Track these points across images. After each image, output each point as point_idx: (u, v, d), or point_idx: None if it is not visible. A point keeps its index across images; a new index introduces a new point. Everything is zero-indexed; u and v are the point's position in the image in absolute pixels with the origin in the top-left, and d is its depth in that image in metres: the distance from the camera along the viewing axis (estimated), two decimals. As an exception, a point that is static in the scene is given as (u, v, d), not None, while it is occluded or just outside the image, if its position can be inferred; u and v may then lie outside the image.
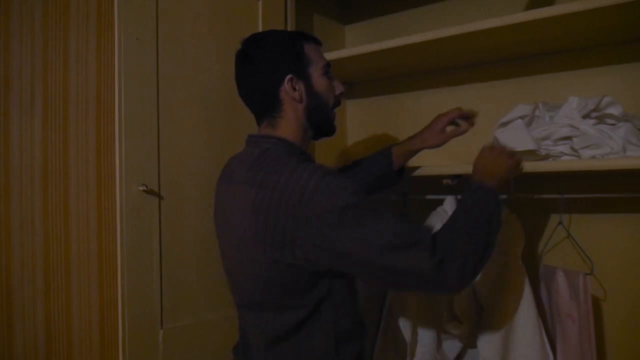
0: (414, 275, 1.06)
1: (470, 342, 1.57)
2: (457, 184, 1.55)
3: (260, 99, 1.29)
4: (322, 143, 1.98)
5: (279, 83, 1.25)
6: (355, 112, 2.20)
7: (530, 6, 1.72)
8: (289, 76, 1.24)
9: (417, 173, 1.63)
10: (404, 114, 2.04)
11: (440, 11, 1.96)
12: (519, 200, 1.59)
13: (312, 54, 1.29)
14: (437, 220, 1.55)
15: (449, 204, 1.58)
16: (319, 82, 1.28)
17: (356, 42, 2.15)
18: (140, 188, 1.40)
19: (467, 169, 1.39)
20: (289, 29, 1.81)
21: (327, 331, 1.18)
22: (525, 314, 1.42)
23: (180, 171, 1.49)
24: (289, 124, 1.27)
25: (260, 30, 1.70)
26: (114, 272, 1.38)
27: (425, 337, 1.57)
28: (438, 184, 1.63)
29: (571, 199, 1.56)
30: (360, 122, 2.18)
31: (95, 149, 1.38)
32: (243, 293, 1.27)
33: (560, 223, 1.55)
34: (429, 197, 1.71)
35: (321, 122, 1.32)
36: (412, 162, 1.63)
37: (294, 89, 1.25)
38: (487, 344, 1.42)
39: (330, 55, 1.72)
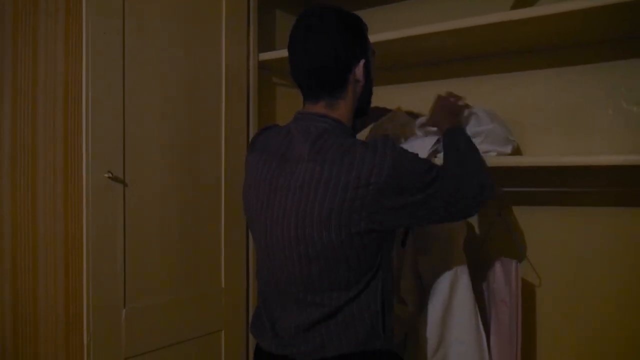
0: (466, 205, 1.25)
1: (413, 324, 1.68)
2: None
3: (326, 76, 1.24)
4: None
5: (353, 65, 1.24)
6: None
7: (516, 5, 1.74)
8: (364, 60, 1.26)
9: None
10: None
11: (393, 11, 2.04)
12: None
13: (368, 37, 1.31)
14: None
15: None
16: (372, 67, 1.32)
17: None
18: (106, 175, 1.47)
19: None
20: (250, 25, 1.87)
21: (377, 295, 1.22)
22: (463, 299, 1.53)
23: (144, 159, 1.56)
24: (347, 106, 1.27)
25: (223, 23, 1.77)
26: (79, 254, 1.45)
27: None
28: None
29: (510, 192, 1.68)
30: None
31: (62, 136, 1.44)
32: (292, 273, 1.23)
33: (499, 214, 1.67)
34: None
35: (366, 105, 1.34)
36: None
37: (362, 74, 1.26)
38: (427, 326, 1.54)
39: None
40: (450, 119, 1.51)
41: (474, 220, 1.82)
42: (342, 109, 1.26)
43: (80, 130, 1.44)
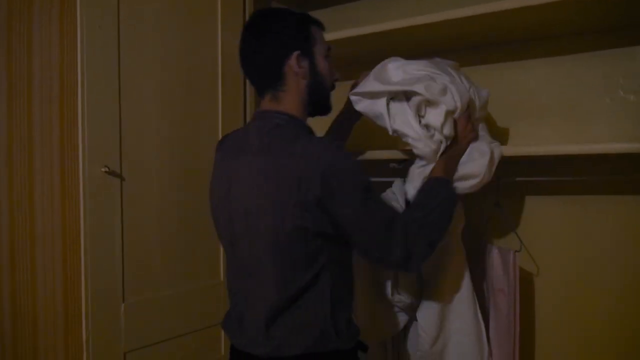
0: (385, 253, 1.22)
1: (414, 315, 1.68)
2: (403, 168, 1.65)
3: (265, 71, 1.33)
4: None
5: (286, 57, 1.30)
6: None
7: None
8: (296, 52, 1.30)
9: (365, 157, 1.71)
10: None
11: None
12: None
13: (317, 35, 1.36)
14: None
15: (398, 187, 1.67)
16: (321, 62, 1.35)
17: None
18: (103, 169, 1.47)
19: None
20: (247, 16, 1.87)
21: (325, 297, 1.24)
22: (461, 289, 1.53)
23: (141, 153, 1.57)
24: (292, 98, 1.32)
25: (219, 17, 1.77)
26: (77, 249, 1.45)
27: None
28: (385, 168, 1.73)
29: (508, 182, 1.68)
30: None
31: (59, 131, 1.43)
32: (249, 263, 1.29)
33: (497, 204, 1.67)
34: (376, 179, 1.80)
35: (320, 100, 1.38)
36: (360, 146, 1.72)
37: (299, 66, 1.31)
38: (426, 317, 1.54)
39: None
40: (453, 163, 1.45)
41: (472, 209, 1.81)
42: (289, 102, 1.32)
43: (76, 124, 1.44)
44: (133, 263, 1.55)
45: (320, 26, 1.40)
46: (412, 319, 1.71)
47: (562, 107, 1.70)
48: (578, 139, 1.66)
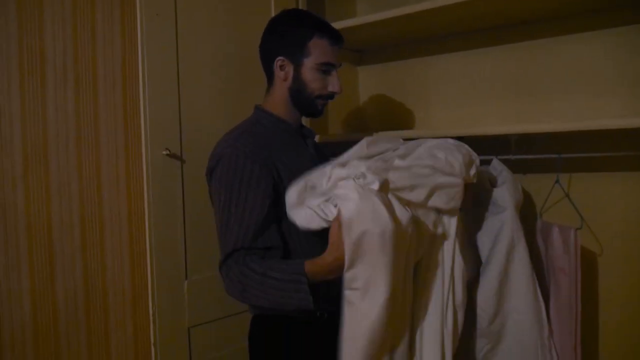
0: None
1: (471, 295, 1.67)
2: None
3: (263, 66, 1.46)
4: (336, 106, 2.08)
5: (273, 59, 1.41)
6: (366, 78, 2.28)
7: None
8: (280, 57, 1.40)
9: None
10: (413, 79, 2.11)
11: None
12: (519, 160, 1.68)
13: (316, 48, 1.39)
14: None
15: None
16: (307, 73, 1.40)
17: (366, 11, 2.22)
18: (164, 152, 1.53)
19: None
20: (299, 4, 1.90)
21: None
22: (520, 267, 1.51)
23: (200, 136, 1.62)
24: (275, 96, 1.44)
25: (272, 4, 1.80)
26: (142, 229, 1.52)
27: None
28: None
29: (568, 158, 1.64)
30: (371, 87, 2.26)
31: (122, 117, 1.50)
32: None
33: (557, 181, 1.63)
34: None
35: (302, 106, 1.44)
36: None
37: (281, 69, 1.40)
38: (483, 295, 1.52)
39: (341, 24, 1.80)
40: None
41: (531, 186, 1.78)
42: (272, 97, 1.45)
43: (139, 110, 1.50)
44: (195, 242, 1.61)
45: (331, 39, 1.40)
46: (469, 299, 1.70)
47: (624, 79, 1.63)
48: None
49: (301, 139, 1.48)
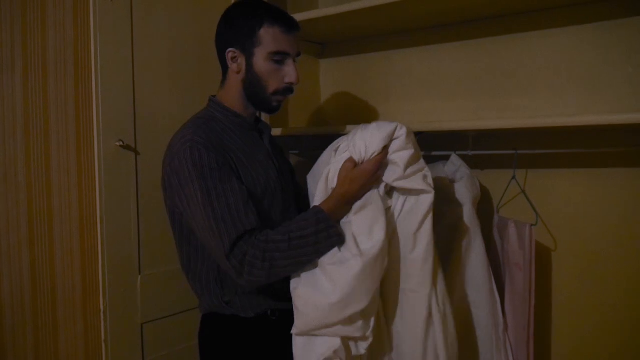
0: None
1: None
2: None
3: (219, 59, 1.41)
4: (296, 99, 2.06)
5: (225, 50, 1.36)
6: (328, 71, 2.26)
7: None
8: (231, 49, 1.35)
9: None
10: (374, 73, 2.10)
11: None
12: (476, 156, 1.69)
13: (266, 37, 1.33)
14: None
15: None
16: (260, 64, 1.34)
17: (329, 3, 2.20)
18: (117, 143, 1.48)
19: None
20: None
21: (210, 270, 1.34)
22: (476, 262, 1.52)
23: (155, 127, 1.58)
24: (229, 88, 1.40)
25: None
26: (94, 222, 1.47)
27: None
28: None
29: (525, 155, 1.66)
30: (332, 80, 2.25)
31: (74, 106, 1.45)
32: None
33: (514, 177, 1.65)
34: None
35: (256, 99, 1.39)
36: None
37: (233, 61, 1.36)
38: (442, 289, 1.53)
39: (302, 16, 1.77)
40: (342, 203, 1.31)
41: (488, 182, 1.79)
42: (225, 89, 1.40)
43: (91, 99, 1.46)
44: (149, 236, 1.57)
45: (285, 28, 1.34)
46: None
47: (582, 77, 1.66)
48: (597, 109, 1.62)
49: (257, 134, 1.43)
